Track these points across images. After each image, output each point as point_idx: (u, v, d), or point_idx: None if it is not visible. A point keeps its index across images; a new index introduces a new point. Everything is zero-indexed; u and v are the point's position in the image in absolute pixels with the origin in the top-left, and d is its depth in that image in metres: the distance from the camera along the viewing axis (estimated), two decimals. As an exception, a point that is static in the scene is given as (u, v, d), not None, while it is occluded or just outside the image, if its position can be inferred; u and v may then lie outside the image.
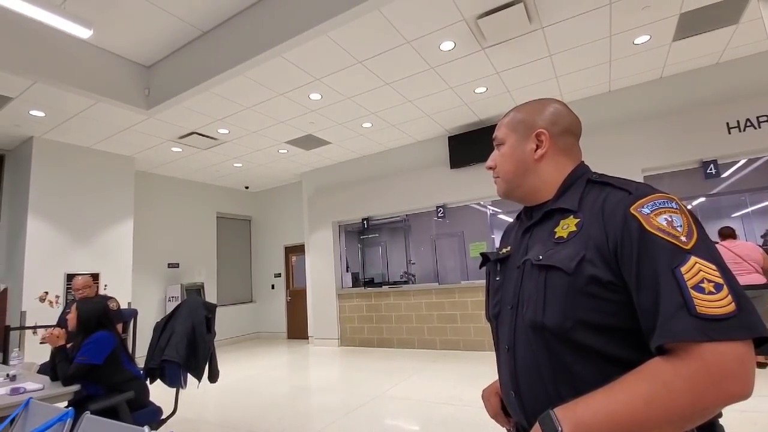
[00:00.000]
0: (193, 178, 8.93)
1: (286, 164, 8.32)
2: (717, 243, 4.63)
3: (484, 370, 5.19)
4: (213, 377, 3.14)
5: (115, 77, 5.06)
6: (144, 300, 7.60)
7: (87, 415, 1.52)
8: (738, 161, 5.37)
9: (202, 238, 9.09)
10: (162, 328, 3.06)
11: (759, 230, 6.08)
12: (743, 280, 4.34)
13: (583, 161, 0.97)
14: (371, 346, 7.44)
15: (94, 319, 2.73)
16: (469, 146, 6.75)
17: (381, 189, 7.72)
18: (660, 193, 0.77)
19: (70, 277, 5.88)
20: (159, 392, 2.98)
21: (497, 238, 6.89)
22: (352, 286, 8.00)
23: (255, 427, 3.78)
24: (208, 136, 6.50)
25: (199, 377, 2.98)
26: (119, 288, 6.60)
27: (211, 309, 3.15)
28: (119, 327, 3.60)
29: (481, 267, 1.14)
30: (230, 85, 4.93)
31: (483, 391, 1.09)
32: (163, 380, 2.94)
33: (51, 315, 5.46)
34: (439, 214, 7.14)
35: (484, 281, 1.11)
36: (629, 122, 5.68)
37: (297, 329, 9.23)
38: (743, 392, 0.60)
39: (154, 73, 5.36)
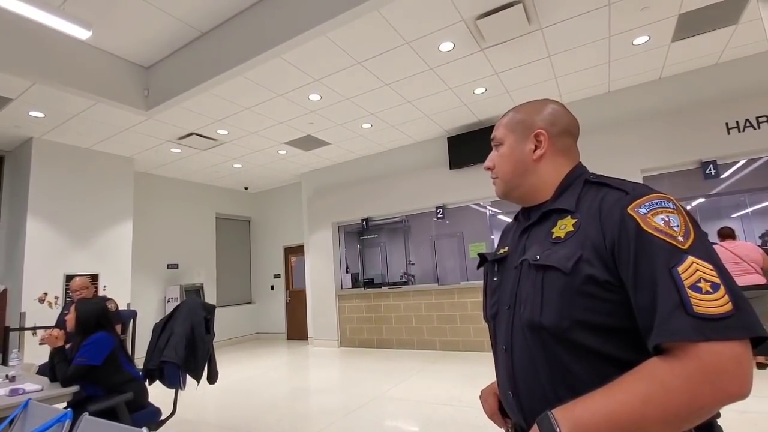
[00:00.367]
0: (192, 179, 8.93)
1: (285, 165, 8.32)
2: (716, 243, 4.63)
3: (483, 370, 5.18)
4: (212, 378, 3.13)
5: (115, 78, 5.06)
6: (143, 301, 7.60)
7: (86, 416, 1.52)
8: (737, 162, 5.37)
9: (202, 239, 9.09)
10: (161, 329, 3.05)
11: (758, 230, 6.09)
12: (743, 280, 4.34)
13: (580, 162, 0.97)
14: (371, 346, 7.44)
15: (92, 319, 2.73)
16: (469, 147, 6.76)
17: (380, 190, 7.72)
18: (657, 193, 0.78)
19: (69, 278, 5.88)
20: (158, 393, 2.98)
21: (497, 238, 6.87)
22: (352, 287, 8.00)
23: (254, 429, 3.77)
24: (207, 137, 6.50)
25: (198, 378, 2.98)
26: (118, 289, 6.59)
27: (210, 310, 3.15)
28: (118, 328, 3.59)
29: (478, 268, 1.14)
30: (229, 86, 4.93)
31: (481, 391, 1.10)
32: (162, 381, 2.94)
33: (50, 316, 5.45)
34: (438, 215, 7.14)
35: (482, 282, 1.11)
36: (628, 123, 5.68)
37: (296, 330, 9.22)
38: (741, 392, 0.60)
39: (154, 73, 5.35)
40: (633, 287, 0.70)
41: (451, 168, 6.95)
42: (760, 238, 5.86)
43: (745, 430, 3.00)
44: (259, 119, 5.97)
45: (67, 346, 2.72)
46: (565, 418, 0.67)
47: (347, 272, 8.28)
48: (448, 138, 7.04)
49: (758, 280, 4.38)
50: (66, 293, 5.96)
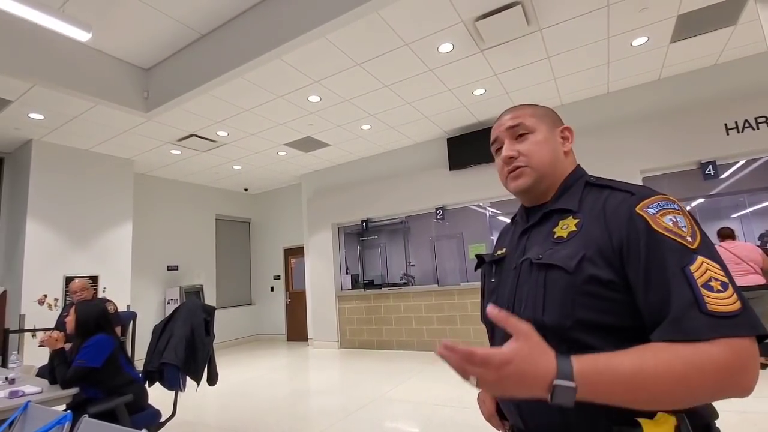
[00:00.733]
0: (192, 181, 8.93)
1: (285, 166, 8.32)
2: (716, 244, 4.63)
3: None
4: (212, 380, 3.13)
5: (114, 80, 5.06)
6: (143, 303, 7.59)
7: (85, 418, 1.52)
8: (736, 162, 5.38)
9: (202, 241, 9.09)
10: (161, 330, 3.05)
11: (758, 231, 6.09)
12: (743, 281, 4.34)
13: (579, 164, 0.98)
14: (371, 348, 7.43)
15: (92, 321, 2.72)
16: (468, 148, 6.76)
17: (380, 191, 7.73)
18: (661, 194, 0.79)
19: (69, 280, 5.87)
20: (158, 395, 2.97)
21: (496, 239, 6.89)
22: (352, 288, 8.00)
23: (254, 430, 3.77)
24: (207, 139, 6.50)
25: (198, 380, 2.98)
26: (118, 291, 6.59)
27: (209, 312, 3.15)
28: (117, 330, 3.59)
29: (476, 269, 1.14)
30: (229, 88, 4.93)
31: (478, 393, 1.09)
32: (162, 383, 2.94)
33: (50, 318, 5.45)
34: (438, 216, 7.15)
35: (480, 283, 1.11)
36: (627, 124, 5.69)
37: (296, 331, 9.22)
38: (751, 386, 0.63)
39: (153, 75, 5.36)
40: (643, 286, 0.71)
41: (450, 169, 6.95)
42: (759, 238, 5.86)
43: (745, 431, 3.00)
44: (259, 121, 5.97)
45: (67, 347, 2.71)
46: (582, 365, 0.63)
47: (347, 273, 8.28)
48: (447, 139, 7.04)
49: (758, 280, 4.39)
50: (66, 295, 5.95)
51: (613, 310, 0.74)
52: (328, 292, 8.05)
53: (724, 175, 5.43)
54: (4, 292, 5.90)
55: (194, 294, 8.29)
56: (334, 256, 8.16)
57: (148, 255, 7.90)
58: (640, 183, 5.39)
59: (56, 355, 2.62)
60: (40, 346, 2.84)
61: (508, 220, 1.18)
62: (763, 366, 4.25)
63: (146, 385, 2.94)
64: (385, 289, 7.49)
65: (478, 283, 1.15)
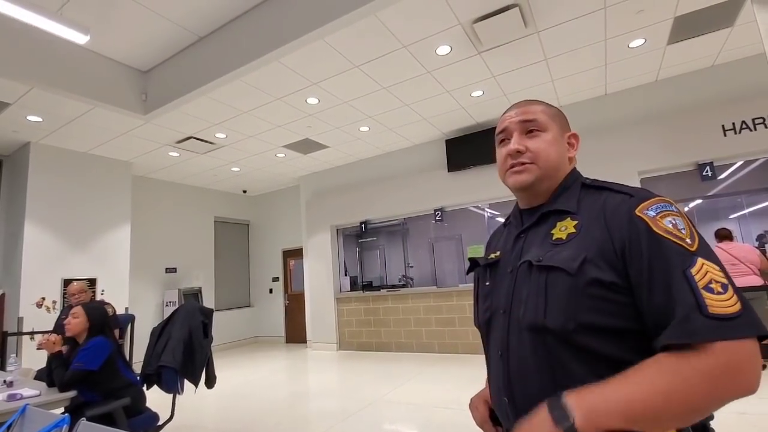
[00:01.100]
0: (190, 183, 8.93)
1: (283, 168, 8.33)
2: (714, 245, 4.64)
3: (482, 373, 5.12)
4: (210, 382, 3.13)
5: (112, 82, 5.07)
6: (141, 305, 7.58)
7: (83, 421, 1.52)
8: (734, 163, 5.39)
9: (200, 243, 9.08)
10: (159, 333, 3.05)
11: (755, 232, 6.10)
12: (741, 281, 4.35)
13: (575, 167, 0.98)
14: (369, 350, 7.43)
15: (102, 323, 2.75)
16: (467, 149, 6.77)
17: (379, 192, 7.73)
18: (659, 197, 0.79)
19: (67, 283, 5.84)
20: (156, 398, 2.97)
21: (488, 242, 6.88)
22: (351, 290, 7.99)
23: (253, 433, 3.76)
24: (205, 141, 6.50)
25: (196, 383, 2.97)
26: (116, 293, 6.58)
27: (207, 314, 3.15)
28: (115, 333, 3.59)
29: (468, 273, 1.12)
30: (227, 90, 4.94)
31: (470, 399, 1.07)
32: (160, 386, 2.93)
33: (48, 321, 5.44)
34: (437, 218, 7.15)
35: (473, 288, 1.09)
36: (625, 125, 5.70)
37: (295, 333, 9.20)
38: (753, 387, 0.62)
39: (152, 77, 5.36)
40: (646, 288, 0.71)
41: (449, 171, 6.96)
42: (757, 239, 5.87)
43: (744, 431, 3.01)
44: (258, 123, 5.98)
45: (64, 350, 2.71)
46: (579, 403, 0.66)
47: (346, 275, 8.27)
48: (446, 141, 7.05)
49: (756, 281, 4.40)
50: (64, 298, 5.94)
51: (616, 313, 0.73)
52: (327, 294, 8.05)
53: (721, 177, 5.44)
54: (3, 294, 5.89)
55: (193, 296, 8.27)
56: (333, 258, 8.15)
57: (147, 257, 7.89)
58: (638, 184, 5.41)
59: (54, 358, 2.61)
60: (38, 349, 2.84)
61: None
62: (763, 367, 4.26)
63: (144, 388, 2.93)
64: (383, 291, 7.49)
65: (477, 285, 1.13)
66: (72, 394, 2.52)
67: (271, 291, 9.89)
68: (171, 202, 8.59)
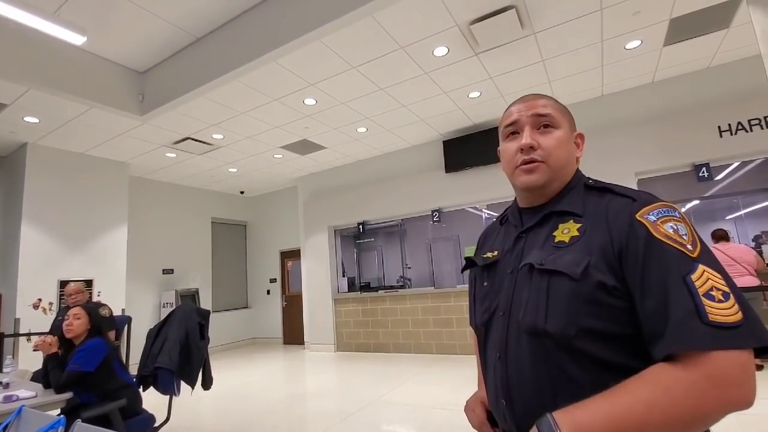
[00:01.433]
0: (187, 184, 8.91)
1: (281, 169, 8.32)
2: (710, 246, 4.66)
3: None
4: (206, 384, 3.12)
5: (109, 83, 5.06)
6: (138, 306, 7.56)
7: (78, 423, 1.51)
8: (730, 164, 5.42)
9: (197, 244, 9.06)
10: (155, 334, 3.04)
11: (752, 232, 6.13)
12: (737, 282, 4.34)
13: (578, 167, 0.96)
14: (367, 351, 7.42)
15: (100, 323, 2.75)
16: (464, 150, 6.78)
17: (377, 193, 7.73)
18: (662, 201, 0.77)
19: (63, 284, 5.84)
20: (152, 400, 2.96)
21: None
22: (348, 291, 7.99)
23: (250, 434, 3.76)
24: (202, 142, 6.50)
25: (192, 384, 2.97)
26: (113, 294, 6.56)
27: (204, 315, 3.14)
28: (111, 334, 3.58)
29: (463, 271, 1.10)
30: (225, 91, 4.93)
31: (466, 402, 1.06)
32: (156, 387, 2.92)
33: (45, 322, 5.41)
34: (434, 218, 7.16)
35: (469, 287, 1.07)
36: (622, 126, 5.72)
37: (293, 335, 9.19)
38: (745, 400, 0.60)
39: (148, 78, 5.35)
40: (641, 293, 0.70)
41: (447, 171, 6.97)
42: (753, 240, 5.90)
43: (740, 432, 3.01)
44: (255, 123, 5.98)
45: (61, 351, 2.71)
46: (566, 421, 0.65)
47: (343, 276, 8.27)
48: (443, 142, 7.06)
49: (752, 281, 4.42)
50: (60, 299, 5.92)
51: (617, 318, 0.72)
52: (325, 294, 8.04)
53: (718, 177, 5.47)
54: (-1, 296, 5.87)
55: (190, 297, 8.25)
56: (331, 259, 8.15)
57: (144, 258, 7.87)
58: (635, 185, 5.42)
59: (50, 360, 2.61)
60: (34, 350, 2.84)
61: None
62: (759, 367, 4.28)
63: (140, 389, 2.93)
64: (381, 292, 7.49)
65: (475, 286, 1.11)
66: (68, 395, 2.51)
67: (268, 292, 9.87)
68: (168, 203, 8.57)
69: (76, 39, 3.81)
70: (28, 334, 5.35)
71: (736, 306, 0.63)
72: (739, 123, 5.01)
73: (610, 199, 0.82)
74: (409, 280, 8.05)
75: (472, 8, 3.86)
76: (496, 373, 0.88)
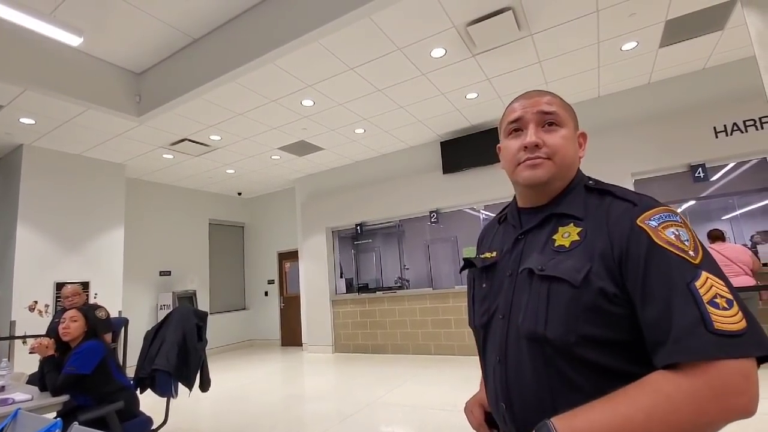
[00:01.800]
0: (184, 185, 8.89)
1: (278, 170, 8.31)
2: (706, 246, 4.68)
3: (478, 374, 5.13)
4: (204, 386, 3.11)
5: (106, 84, 5.04)
6: (135, 308, 7.53)
7: (75, 426, 1.51)
8: (726, 165, 5.44)
9: (195, 246, 9.04)
10: (152, 336, 3.03)
11: (748, 232, 6.16)
12: (733, 282, 4.34)
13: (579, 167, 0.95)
14: (365, 352, 7.42)
15: (96, 325, 2.74)
16: (462, 151, 6.79)
17: (374, 194, 7.73)
18: (664, 206, 0.76)
19: (59, 286, 5.81)
20: (150, 402, 2.95)
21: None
22: (346, 292, 7.99)
23: (248, 436, 3.75)
24: (199, 143, 6.48)
25: (190, 386, 2.96)
26: (110, 296, 6.53)
27: (202, 317, 3.13)
28: (108, 336, 3.57)
29: (461, 271, 1.09)
30: (222, 92, 4.93)
31: (466, 403, 1.06)
32: (154, 390, 2.92)
33: (41, 324, 5.38)
34: (432, 219, 7.16)
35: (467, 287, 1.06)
36: (618, 127, 5.74)
37: (291, 336, 9.18)
38: (748, 409, 0.59)
39: (145, 79, 5.34)
40: (642, 300, 0.69)
41: (444, 172, 6.97)
42: (749, 240, 5.93)
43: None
44: (252, 125, 5.97)
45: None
46: (565, 427, 0.65)
47: (341, 277, 8.26)
48: (441, 143, 7.07)
49: (748, 281, 4.44)
50: (56, 301, 5.89)
51: (617, 325, 0.71)
52: (323, 296, 8.03)
53: (714, 178, 5.49)
54: (-6, 298, 5.83)
55: (187, 299, 8.23)
56: (329, 260, 8.14)
57: (141, 260, 7.84)
58: (632, 185, 5.44)
59: (47, 362, 2.59)
60: (30, 353, 2.81)
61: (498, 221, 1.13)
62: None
63: (138, 391, 2.91)
64: (379, 293, 7.49)
65: (473, 287, 1.11)
66: (65, 398, 2.50)
67: (266, 294, 9.85)
68: (165, 205, 8.54)
69: (73, 40, 3.79)
70: (24, 337, 5.31)
71: (740, 314, 0.62)
72: (735, 124, 5.03)
73: (611, 203, 0.81)
74: (407, 281, 8.06)
75: (470, 10, 3.87)
76: (496, 376, 0.87)
